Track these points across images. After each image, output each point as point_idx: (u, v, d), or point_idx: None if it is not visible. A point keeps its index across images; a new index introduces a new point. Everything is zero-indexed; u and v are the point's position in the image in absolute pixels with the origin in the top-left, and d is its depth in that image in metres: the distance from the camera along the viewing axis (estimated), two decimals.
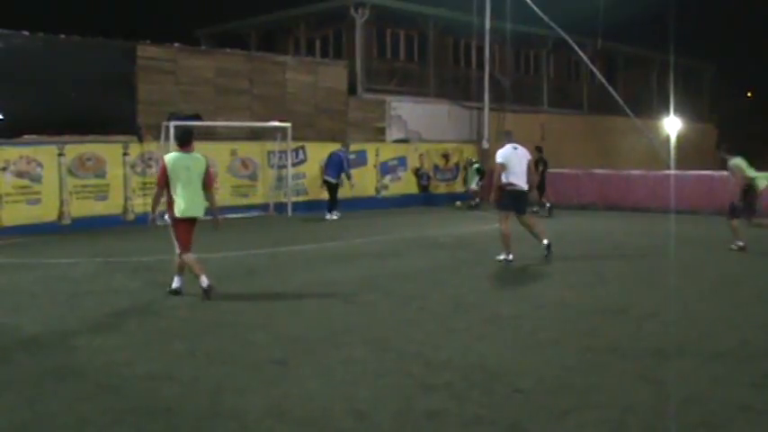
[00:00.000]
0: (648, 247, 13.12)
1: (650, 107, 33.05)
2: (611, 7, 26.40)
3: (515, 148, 11.07)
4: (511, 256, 11.00)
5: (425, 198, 22.80)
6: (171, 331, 7.09)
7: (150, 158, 17.07)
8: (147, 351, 6.41)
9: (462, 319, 7.52)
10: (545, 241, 11.25)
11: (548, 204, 19.05)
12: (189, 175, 8.45)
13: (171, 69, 18.46)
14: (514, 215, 11.17)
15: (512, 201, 11.00)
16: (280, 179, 19.49)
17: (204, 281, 8.37)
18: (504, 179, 10.99)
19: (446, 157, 23.75)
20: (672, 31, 27.49)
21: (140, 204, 16.74)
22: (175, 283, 8.65)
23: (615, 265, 11.09)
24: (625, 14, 28.91)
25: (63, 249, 12.85)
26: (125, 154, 16.78)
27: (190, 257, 8.55)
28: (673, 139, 28.87)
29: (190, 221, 8.59)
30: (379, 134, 23.04)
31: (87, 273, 10.42)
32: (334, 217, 18.00)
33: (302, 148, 20.13)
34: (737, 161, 12.48)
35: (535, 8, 22.37)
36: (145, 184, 16.86)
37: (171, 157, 8.58)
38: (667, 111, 30.94)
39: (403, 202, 21.91)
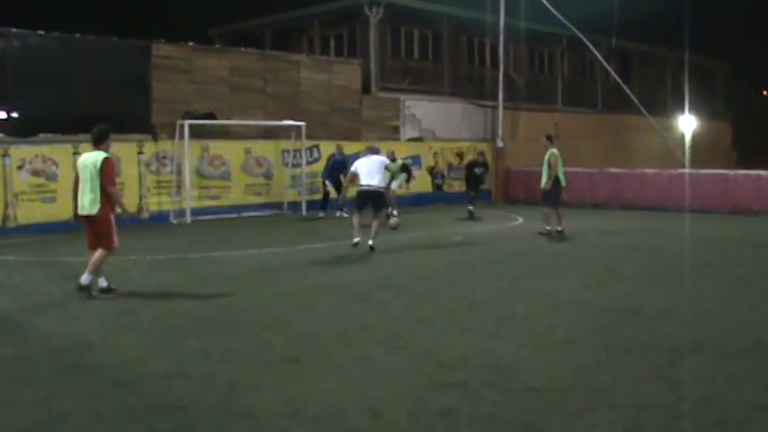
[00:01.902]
0: (663, 245, 13.05)
1: (665, 105, 32.87)
2: (625, 5, 26.28)
3: (369, 158, 12.78)
4: (357, 240, 12.12)
5: (439, 197, 22.78)
6: (185, 329, 7.12)
7: (165, 157, 17.20)
8: (162, 349, 6.44)
9: (476, 318, 7.51)
10: (369, 242, 12.14)
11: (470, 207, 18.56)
12: (84, 174, 8.74)
13: (185, 68, 18.52)
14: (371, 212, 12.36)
15: (361, 199, 12.47)
16: (294, 178, 19.53)
17: (84, 278, 8.62)
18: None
19: (460, 155, 23.69)
20: (687, 29, 27.34)
21: (155, 203, 16.99)
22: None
23: (629, 264, 11.04)
24: (640, 12, 28.81)
25: (78, 247, 12.83)
26: (140, 152, 16.87)
27: (90, 254, 8.80)
28: (687, 138, 28.72)
29: (86, 219, 8.82)
30: (393, 133, 23.02)
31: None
32: (345, 215, 17.95)
33: (316, 146, 20.15)
34: (556, 151, 13.77)
35: (549, 6, 22.29)
36: (159, 182, 17.12)
37: (82, 155, 8.89)
38: (682, 109, 30.77)
39: (417, 200, 21.88)
